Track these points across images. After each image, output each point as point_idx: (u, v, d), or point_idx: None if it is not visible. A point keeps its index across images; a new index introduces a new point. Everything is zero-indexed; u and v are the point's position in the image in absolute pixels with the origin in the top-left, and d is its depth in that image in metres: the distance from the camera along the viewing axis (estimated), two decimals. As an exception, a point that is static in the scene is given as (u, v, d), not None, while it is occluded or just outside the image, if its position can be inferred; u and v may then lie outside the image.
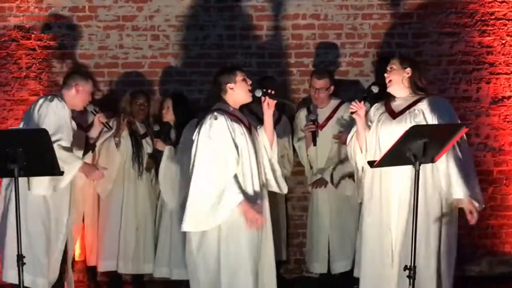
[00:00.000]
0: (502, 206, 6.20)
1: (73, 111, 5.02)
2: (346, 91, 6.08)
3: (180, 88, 6.02)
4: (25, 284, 4.63)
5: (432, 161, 4.01)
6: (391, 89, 4.42)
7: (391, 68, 4.41)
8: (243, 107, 4.60)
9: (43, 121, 4.79)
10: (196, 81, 6.15)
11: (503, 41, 6.14)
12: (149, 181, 5.64)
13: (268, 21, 6.16)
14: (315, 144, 5.43)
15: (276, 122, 5.66)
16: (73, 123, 5.04)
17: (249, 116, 4.72)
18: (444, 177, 4.25)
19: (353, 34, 6.16)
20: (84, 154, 5.15)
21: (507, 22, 6.13)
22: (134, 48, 6.15)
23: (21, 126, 5.00)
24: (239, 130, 4.32)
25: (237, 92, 4.41)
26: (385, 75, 4.42)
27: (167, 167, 5.45)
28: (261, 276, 4.40)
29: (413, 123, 4.22)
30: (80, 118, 5.32)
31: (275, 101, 4.40)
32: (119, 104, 5.69)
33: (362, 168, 4.49)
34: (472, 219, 4.27)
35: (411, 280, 3.88)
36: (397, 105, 4.41)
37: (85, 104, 5.08)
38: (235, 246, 4.28)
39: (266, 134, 4.49)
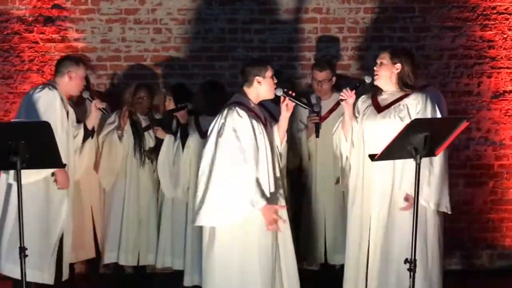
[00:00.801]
0: (503, 200, 6.21)
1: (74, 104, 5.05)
2: (348, 85, 6.02)
3: (182, 81, 6.04)
4: (18, 276, 4.66)
5: (433, 154, 4.03)
6: (378, 83, 4.42)
7: (380, 62, 4.40)
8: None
9: (31, 110, 4.78)
10: (198, 74, 6.16)
11: (505, 35, 6.15)
12: (151, 173, 5.65)
13: (269, 15, 6.17)
14: (317, 136, 5.44)
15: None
16: (71, 110, 5.03)
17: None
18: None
19: (355, 28, 6.17)
20: (83, 141, 5.14)
21: (508, 16, 6.13)
22: (136, 41, 6.16)
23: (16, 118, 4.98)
24: (258, 128, 4.29)
25: (263, 87, 4.38)
26: (374, 68, 4.42)
27: (166, 156, 5.46)
28: (283, 276, 4.38)
29: (397, 118, 4.28)
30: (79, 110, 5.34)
31: (294, 104, 4.38)
32: (122, 96, 5.69)
33: (347, 157, 4.51)
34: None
35: (411, 273, 3.87)
36: (383, 99, 4.42)
37: (80, 89, 5.05)
38: (248, 248, 4.23)
39: (278, 133, 4.46)
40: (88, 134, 5.17)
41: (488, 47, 6.14)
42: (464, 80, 6.17)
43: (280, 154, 4.47)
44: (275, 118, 5.54)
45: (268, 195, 4.23)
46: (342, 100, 4.42)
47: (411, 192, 4.15)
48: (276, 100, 4.53)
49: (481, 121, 6.17)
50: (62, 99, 4.95)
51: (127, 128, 5.59)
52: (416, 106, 4.31)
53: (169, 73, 6.16)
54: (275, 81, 4.43)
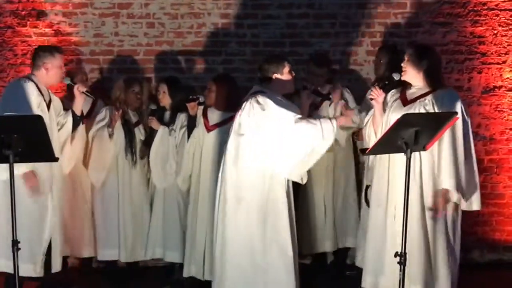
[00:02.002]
0: (493, 194, 6.27)
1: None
2: (340, 80, 6.13)
3: (175, 76, 6.05)
4: (7, 270, 4.69)
5: (424, 149, 4.07)
6: (405, 78, 4.47)
7: (407, 58, 4.44)
8: None
9: (5, 104, 4.76)
10: (191, 68, 6.19)
11: (495, 31, 6.19)
12: (143, 169, 5.65)
13: (262, 10, 6.19)
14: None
15: None
16: (56, 100, 5.00)
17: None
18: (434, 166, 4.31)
19: (347, 24, 6.20)
20: (73, 130, 5.11)
21: (499, 12, 6.18)
22: (129, 35, 6.17)
23: None
24: None
25: (282, 83, 4.51)
26: (402, 64, 4.46)
27: (159, 148, 5.48)
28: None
29: (423, 110, 4.31)
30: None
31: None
32: (112, 91, 5.68)
33: None
34: (437, 212, 4.32)
35: (402, 267, 3.94)
36: (411, 93, 4.47)
37: (60, 78, 5.01)
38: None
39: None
40: (78, 120, 5.12)
41: (479, 42, 6.19)
42: (454, 75, 6.22)
43: None
44: None
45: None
46: (372, 99, 4.46)
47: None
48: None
49: (471, 116, 6.12)
50: (40, 90, 4.89)
51: (119, 128, 5.55)
52: (442, 102, 4.34)
53: (162, 68, 6.17)
54: (293, 75, 4.52)
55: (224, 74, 5.76)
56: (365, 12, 6.19)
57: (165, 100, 5.59)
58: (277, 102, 4.44)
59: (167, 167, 5.46)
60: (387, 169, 4.43)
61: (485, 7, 6.18)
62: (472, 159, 4.40)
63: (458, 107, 4.36)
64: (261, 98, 4.46)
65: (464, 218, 6.14)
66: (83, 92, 5.06)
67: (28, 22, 6.11)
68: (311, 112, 5.32)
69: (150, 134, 5.59)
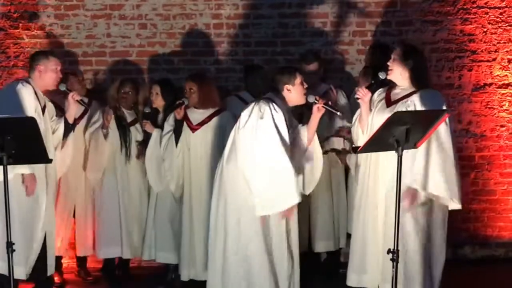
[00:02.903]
0: (484, 191, 6.31)
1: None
2: (331, 79, 6.16)
3: (167, 76, 6.07)
4: (2, 272, 4.64)
5: (415, 146, 4.10)
6: (391, 77, 4.48)
7: (393, 58, 4.46)
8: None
9: (1, 106, 4.73)
10: (183, 69, 6.20)
11: (485, 29, 6.24)
12: (141, 168, 5.66)
13: (254, 10, 6.21)
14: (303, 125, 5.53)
15: None
16: (49, 105, 5.00)
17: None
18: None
19: (338, 23, 6.23)
20: (64, 137, 5.10)
21: (488, 10, 6.22)
22: (121, 37, 6.19)
23: None
24: (285, 128, 4.48)
25: (293, 94, 4.55)
26: (388, 63, 4.47)
27: (154, 151, 5.49)
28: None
29: None
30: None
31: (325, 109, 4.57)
32: (107, 92, 5.70)
33: None
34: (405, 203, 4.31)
35: (395, 263, 3.96)
36: (395, 93, 4.49)
37: (55, 82, 4.97)
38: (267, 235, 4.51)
39: (307, 133, 4.63)
40: (70, 127, 5.12)
41: (469, 40, 6.23)
42: (445, 73, 6.25)
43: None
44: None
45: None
46: (358, 99, 4.49)
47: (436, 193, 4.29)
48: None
49: (462, 113, 6.26)
50: (37, 94, 4.89)
51: (113, 127, 5.57)
52: (424, 103, 4.34)
53: (155, 68, 6.19)
54: (306, 86, 4.57)
55: (200, 72, 5.79)
56: (356, 11, 6.23)
57: (158, 101, 5.61)
58: (277, 123, 4.42)
59: (161, 170, 5.48)
60: (369, 170, 4.47)
61: (475, 5, 6.22)
62: (450, 160, 4.36)
63: (438, 104, 4.36)
64: (264, 107, 4.46)
65: (456, 214, 6.22)
66: (77, 101, 5.06)
67: (21, 24, 6.12)
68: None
69: (147, 136, 5.62)
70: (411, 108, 4.35)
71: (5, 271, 4.57)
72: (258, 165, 4.40)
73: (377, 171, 4.45)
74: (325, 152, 5.37)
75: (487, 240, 6.33)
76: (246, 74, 5.85)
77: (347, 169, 5.66)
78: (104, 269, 5.81)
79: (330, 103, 4.62)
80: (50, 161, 4.17)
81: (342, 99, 5.67)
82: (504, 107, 6.28)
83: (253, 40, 6.23)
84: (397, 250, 3.96)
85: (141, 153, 5.62)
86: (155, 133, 5.50)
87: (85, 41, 6.17)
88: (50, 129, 5.01)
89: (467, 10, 6.22)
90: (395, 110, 4.33)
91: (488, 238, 6.33)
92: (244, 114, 4.53)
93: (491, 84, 6.27)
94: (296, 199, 4.44)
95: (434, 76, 6.22)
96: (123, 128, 5.62)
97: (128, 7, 6.17)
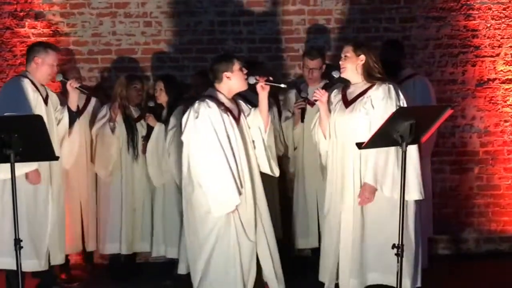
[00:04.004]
0: (488, 186, 6.33)
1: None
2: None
3: (172, 74, 6.10)
4: (7, 267, 4.74)
5: (419, 141, 4.13)
6: (345, 75, 4.51)
7: (345, 55, 4.48)
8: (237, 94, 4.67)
9: (3, 103, 4.77)
10: (188, 66, 6.23)
11: (488, 25, 6.25)
12: (145, 163, 5.69)
13: (258, 7, 6.24)
14: (302, 121, 5.57)
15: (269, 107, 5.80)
16: (53, 96, 5.03)
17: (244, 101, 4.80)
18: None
19: (342, 19, 6.26)
20: (70, 125, 5.14)
21: (491, 6, 6.23)
22: (127, 34, 6.22)
23: None
24: (228, 120, 4.42)
25: (233, 81, 4.51)
26: (340, 62, 4.50)
27: (155, 144, 5.54)
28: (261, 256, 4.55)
29: (363, 110, 4.34)
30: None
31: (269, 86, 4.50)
32: (114, 88, 5.73)
33: (326, 152, 4.59)
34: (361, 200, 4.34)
35: (399, 258, 3.99)
36: (350, 92, 4.50)
37: (49, 77, 4.98)
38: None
39: (261, 116, 4.58)
40: (74, 116, 5.14)
41: (472, 36, 6.24)
42: (449, 69, 6.27)
43: (263, 139, 4.60)
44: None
45: (239, 185, 4.40)
46: (316, 100, 4.51)
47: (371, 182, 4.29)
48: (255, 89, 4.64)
49: (466, 108, 6.27)
50: (36, 86, 4.92)
51: (120, 122, 5.62)
52: (379, 96, 4.35)
53: (160, 66, 6.22)
54: (245, 71, 4.53)
55: (203, 70, 5.84)
56: (359, 8, 6.25)
57: (162, 97, 5.64)
58: (212, 121, 4.37)
59: (163, 164, 5.52)
60: (339, 169, 4.48)
61: (478, 1, 6.23)
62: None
63: (393, 97, 4.33)
64: (198, 106, 4.41)
65: (460, 209, 6.27)
66: (76, 88, 5.05)
67: (27, 23, 6.16)
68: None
69: (149, 130, 5.65)
70: (367, 105, 4.36)
71: (10, 265, 4.67)
72: (202, 167, 4.36)
73: (344, 170, 4.45)
74: None
75: (491, 235, 6.34)
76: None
77: None
78: (111, 265, 5.87)
79: (271, 78, 4.54)
80: (57, 158, 4.20)
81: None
82: (508, 102, 6.29)
83: (257, 37, 6.26)
84: (402, 245, 3.99)
85: (146, 148, 5.65)
86: (157, 127, 5.55)
87: (90, 39, 6.20)
88: (54, 120, 5.05)
89: (470, 6, 6.23)
90: (354, 110, 4.38)
91: (493, 232, 6.34)
92: (184, 118, 4.50)
93: (494, 79, 6.28)
94: (235, 200, 4.36)
95: (438, 72, 6.26)
96: (130, 126, 5.66)
97: (133, 5, 6.20)
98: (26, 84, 4.87)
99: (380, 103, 4.33)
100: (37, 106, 4.85)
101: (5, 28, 6.14)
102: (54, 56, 5.00)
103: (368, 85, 4.45)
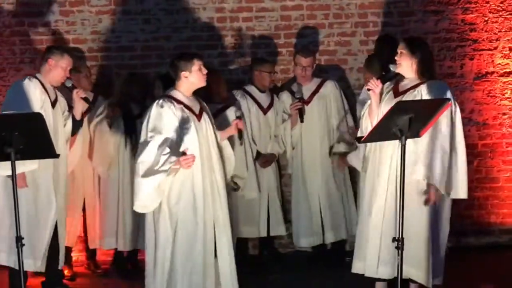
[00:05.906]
0: (487, 178, 6.36)
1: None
2: (334, 70, 6.23)
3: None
4: (9, 264, 4.77)
5: (418, 135, 4.16)
6: (400, 70, 4.53)
7: (400, 52, 4.51)
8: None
9: (7, 103, 4.82)
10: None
11: (486, 18, 6.27)
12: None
13: (257, 3, 6.24)
14: (302, 121, 5.59)
15: (270, 105, 5.83)
16: (61, 99, 5.05)
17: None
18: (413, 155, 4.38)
19: (340, 14, 6.27)
20: (72, 133, 5.17)
21: (489, -1, 6.28)
22: (126, 32, 6.24)
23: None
24: (186, 118, 4.48)
25: (191, 80, 4.57)
26: (396, 58, 4.53)
27: None
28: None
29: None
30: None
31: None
32: (116, 85, 5.77)
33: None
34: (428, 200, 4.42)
35: (399, 251, 4.03)
36: (403, 85, 4.54)
37: (62, 79, 5.00)
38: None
39: (221, 134, 4.77)
40: (77, 124, 5.18)
41: (470, 29, 6.26)
42: (447, 62, 6.29)
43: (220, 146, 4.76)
44: (261, 106, 5.73)
45: (198, 179, 4.51)
46: (369, 89, 4.53)
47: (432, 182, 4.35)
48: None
49: (464, 102, 6.29)
50: (45, 88, 4.94)
51: (119, 119, 5.63)
52: (431, 92, 4.40)
53: (159, 63, 6.23)
54: (205, 72, 4.58)
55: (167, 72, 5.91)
56: (357, 3, 6.27)
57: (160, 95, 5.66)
58: (155, 125, 4.46)
59: None
60: (377, 160, 4.53)
61: (475, -5, 6.27)
62: (456, 149, 4.42)
63: (448, 96, 4.40)
64: (151, 106, 4.54)
65: (460, 202, 6.27)
66: (82, 98, 5.10)
67: (26, 22, 6.17)
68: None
69: None
70: (418, 98, 4.40)
71: (12, 263, 4.71)
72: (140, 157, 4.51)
73: (381, 161, 4.50)
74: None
75: (491, 227, 6.37)
76: (251, 67, 5.92)
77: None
78: (114, 262, 5.89)
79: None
80: (57, 156, 4.20)
81: (336, 97, 5.77)
82: (506, 95, 6.32)
83: (256, 33, 6.28)
84: (402, 238, 4.02)
85: None
86: None
87: (90, 37, 6.21)
88: (62, 123, 5.06)
89: (468, 0, 6.26)
90: (402, 100, 4.40)
91: (492, 225, 6.37)
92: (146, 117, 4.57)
93: (492, 72, 6.31)
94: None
95: (436, 66, 6.25)
96: (130, 122, 5.67)
97: (132, 2, 6.21)
98: (34, 84, 4.88)
99: (432, 97, 4.35)
100: (44, 108, 4.86)
101: (5, 26, 6.14)
102: (68, 61, 5.01)
103: (420, 81, 4.48)
